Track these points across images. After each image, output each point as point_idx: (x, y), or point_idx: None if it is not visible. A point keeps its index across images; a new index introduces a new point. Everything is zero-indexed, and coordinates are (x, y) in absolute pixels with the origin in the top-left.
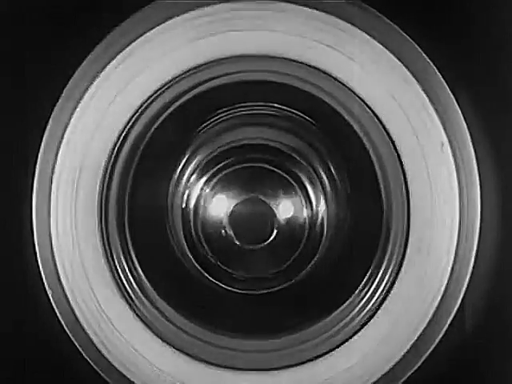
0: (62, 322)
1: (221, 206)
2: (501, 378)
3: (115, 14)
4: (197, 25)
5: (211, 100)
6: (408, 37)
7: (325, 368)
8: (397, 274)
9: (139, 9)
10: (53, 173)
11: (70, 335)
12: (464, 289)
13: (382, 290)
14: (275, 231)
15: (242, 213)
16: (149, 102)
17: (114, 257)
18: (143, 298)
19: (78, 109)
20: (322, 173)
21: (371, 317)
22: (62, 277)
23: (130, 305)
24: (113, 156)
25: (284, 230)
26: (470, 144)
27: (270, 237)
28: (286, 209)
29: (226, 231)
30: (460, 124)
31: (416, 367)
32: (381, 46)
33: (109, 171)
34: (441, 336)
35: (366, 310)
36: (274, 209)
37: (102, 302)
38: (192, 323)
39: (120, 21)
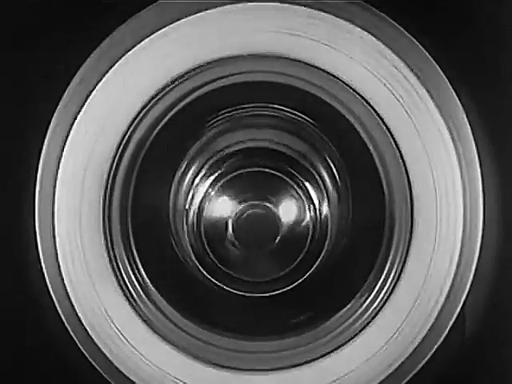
0: (65, 324)
1: (224, 209)
2: (500, 382)
3: (117, 15)
4: (199, 26)
5: (213, 102)
6: (410, 36)
7: (327, 369)
8: (399, 275)
9: (141, 10)
10: (56, 175)
11: (74, 337)
12: (466, 290)
13: (385, 292)
14: (279, 235)
15: (246, 216)
16: (152, 103)
17: (118, 259)
18: (146, 300)
19: (80, 111)
20: (324, 173)
21: (374, 318)
22: (65, 278)
23: (133, 306)
24: (116, 158)
25: (288, 233)
26: (473, 142)
27: (274, 240)
28: (289, 212)
29: (229, 234)
30: (462, 122)
31: (418, 369)
32: (383, 46)
33: (112, 173)
34: (443, 338)
35: (368, 312)
36: (278, 212)
37: (106, 303)
38: (195, 325)
39: (122, 22)
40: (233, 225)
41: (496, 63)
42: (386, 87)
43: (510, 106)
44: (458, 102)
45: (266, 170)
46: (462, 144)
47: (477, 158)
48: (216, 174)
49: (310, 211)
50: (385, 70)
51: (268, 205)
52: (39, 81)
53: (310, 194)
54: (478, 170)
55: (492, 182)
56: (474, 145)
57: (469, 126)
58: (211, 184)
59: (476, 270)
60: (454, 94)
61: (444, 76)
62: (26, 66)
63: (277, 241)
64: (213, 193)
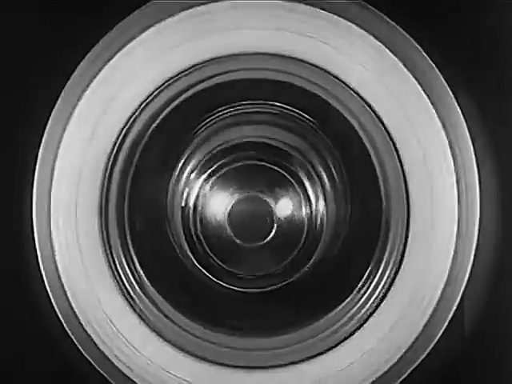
0: (63, 321)
1: (220, 204)
2: (499, 378)
3: (113, 14)
4: (195, 23)
5: (210, 98)
6: (409, 36)
7: (324, 366)
8: (396, 272)
9: (137, 8)
10: (53, 172)
11: (70, 334)
12: (463, 287)
13: (381, 289)
14: (274, 229)
15: (242, 211)
16: (148, 101)
17: (115, 256)
18: (143, 297)
19: (77, 108)
20: (322, 171)
21: (370, 315)
22: (62, 276)
23: (130, 303)
24: (112, 155)
25: (283, 228)
26: (470, 143)
27: (269, 235)
28: (285, 207)
29: (225, 229)
30: (460, 123)
31: (415, 366)
32: (382, 46)
33: (109, 170)
34: (439, 335)
35: (365, 308)
36: (274, 207)
37: (103, 301)
38: (192, 321)
39: (118, 21)
40: (229, 220)
41: (495, 64)
42: (384, 87)
43: (509, 108)
44: (456, 102)
45: (262, 163)
46: (458, 144)
47: (474, 158)
48: (211, 169)
49: (305, 206)
50: (383, 70)
51: (264, 200)
52: (36, 80)
53: (306, 189)
54: (475, 169)
55: (489, 182)
56: (471, 145)
57: (466, 126)
58: (206, 179)
59: (473, 266)
60: (452, 94)
61: (443, 78)
62: (24, 66)
63: (272, 235)
64: (208, 188)
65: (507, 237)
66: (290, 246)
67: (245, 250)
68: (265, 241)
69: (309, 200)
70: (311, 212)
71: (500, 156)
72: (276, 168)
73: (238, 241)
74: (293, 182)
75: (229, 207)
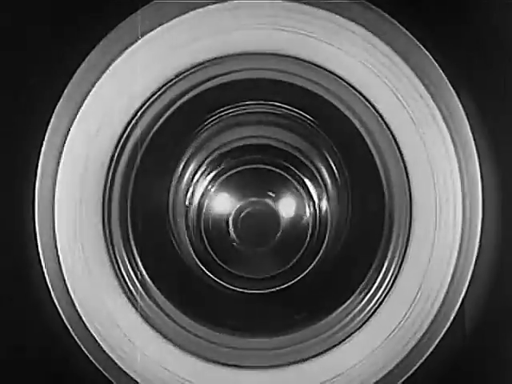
0: (65, 321)
1: (224, 206)
2: (500, 377)
3: (115, 14)
4: (197, 24)
5: (213, 99)
6: (411, 36)
7: (326, 366)
8: (398, 272)
9: (138, 9)
10: (56, 172)
11: (73, 333)
12: (465, 288)
13: (384, 289)
14: (279, 231)
15: (246, 213)
16: (151, 101)
17: (117, 256)
18: (145, 296)
19: (80, 109)
20: (324, 171)
21: (372, 316)
22: (65, 275)
23: (132, 303)
24: (116, 155)
25: (288, 229)
26: (472, 141)
27: (273, 237)
28: (289, 208)
29: (229, 231)
30: (462, 120)
31: (417, 367)
32: (384, 45)
33: (111, 171)
34: (441, 336)
35: (367, 309)
36: (278, 209)
37: (105, 300)
38: (193, 321)
39: (119, 21)
40: (233, 221)
41: (497, 64)
42: (386, 86)
43: (510, 105)
44: (458, 101)
45: (266, 166)
46: (461, 143)
47: (476, 157)
48: (216, 171)
49: (309, 208)
50: (386, 69)
51: (268, 201)
52: (38, 80)
53: (309, 191)
54: (478, 168)
55: (491, 180)
56: (473, 144)
57: (468, 125)
58: (211, 181)
59: (475, 267)
60: (455, 93)
61: (444, 75)
62: (25, 66)
63: (277, 237)
64: (213, 189)
65: (508, 237)
66: (294, 248)
67: (249, 252)
68: (269, 243)
69: (312, 200)
70: (315, 212)
71: (500, 156)
72: (279, 169)
73: (241, 243)
74: (296, 183)
75: (233, 209)
